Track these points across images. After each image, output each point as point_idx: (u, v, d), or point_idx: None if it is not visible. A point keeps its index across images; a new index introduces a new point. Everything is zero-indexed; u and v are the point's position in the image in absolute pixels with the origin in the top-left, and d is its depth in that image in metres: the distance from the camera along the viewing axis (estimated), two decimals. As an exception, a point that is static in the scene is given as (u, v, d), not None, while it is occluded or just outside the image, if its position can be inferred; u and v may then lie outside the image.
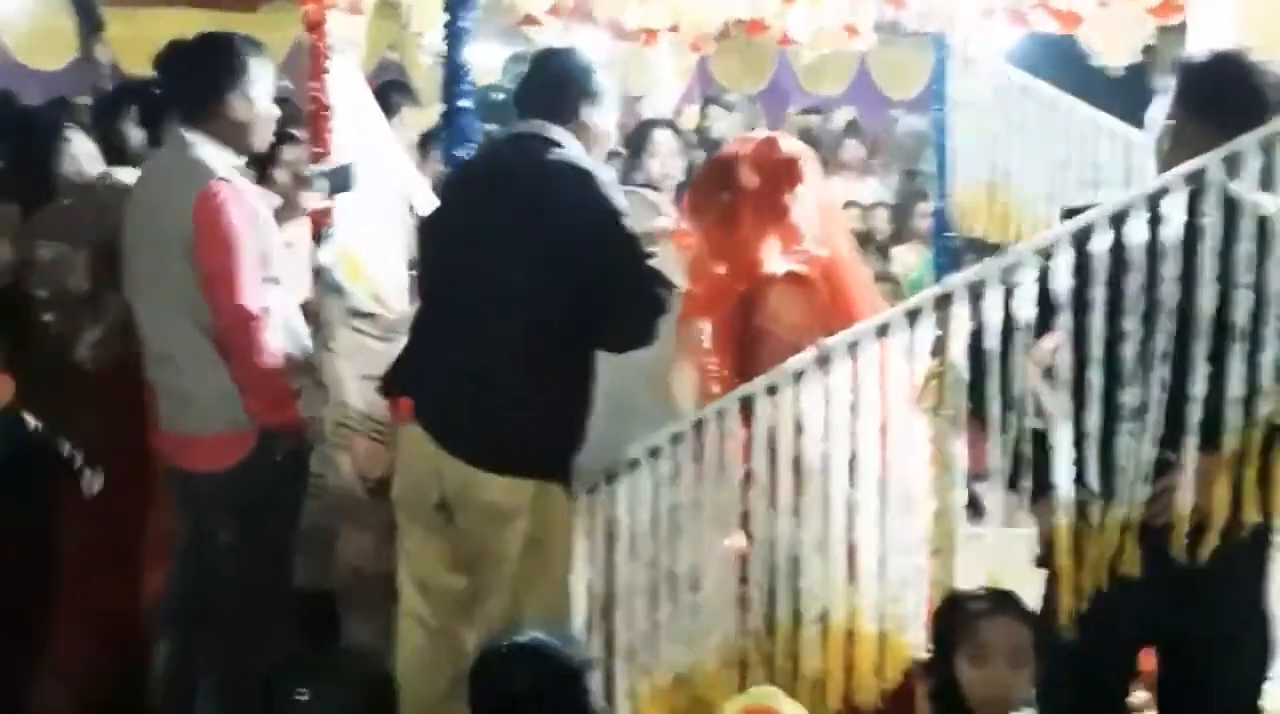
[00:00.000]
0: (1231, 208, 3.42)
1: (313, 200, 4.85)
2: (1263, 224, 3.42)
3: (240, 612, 4.19)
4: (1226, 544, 3.43)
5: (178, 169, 4.24)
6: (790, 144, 4.41)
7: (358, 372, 4.56)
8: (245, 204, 4.20)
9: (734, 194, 4.21)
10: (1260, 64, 3.66)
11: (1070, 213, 3.67)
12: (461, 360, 4.02)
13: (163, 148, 4.53)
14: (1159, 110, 3.70)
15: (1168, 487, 3.45)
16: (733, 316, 4.17)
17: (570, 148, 4.12)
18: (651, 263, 4.10)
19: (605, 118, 4.21)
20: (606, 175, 4.15)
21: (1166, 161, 3.60)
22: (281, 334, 4.22)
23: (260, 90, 4.31)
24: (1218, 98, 3.59)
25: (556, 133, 4.12)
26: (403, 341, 4.32)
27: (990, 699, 3.23)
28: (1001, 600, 3.35)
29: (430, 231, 4.30)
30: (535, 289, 3.97)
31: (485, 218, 4.06)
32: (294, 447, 4.26)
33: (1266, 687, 3.62)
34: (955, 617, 3.33)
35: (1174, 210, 3.43)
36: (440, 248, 4.18)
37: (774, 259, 4.13)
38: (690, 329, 4.27)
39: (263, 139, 4.40)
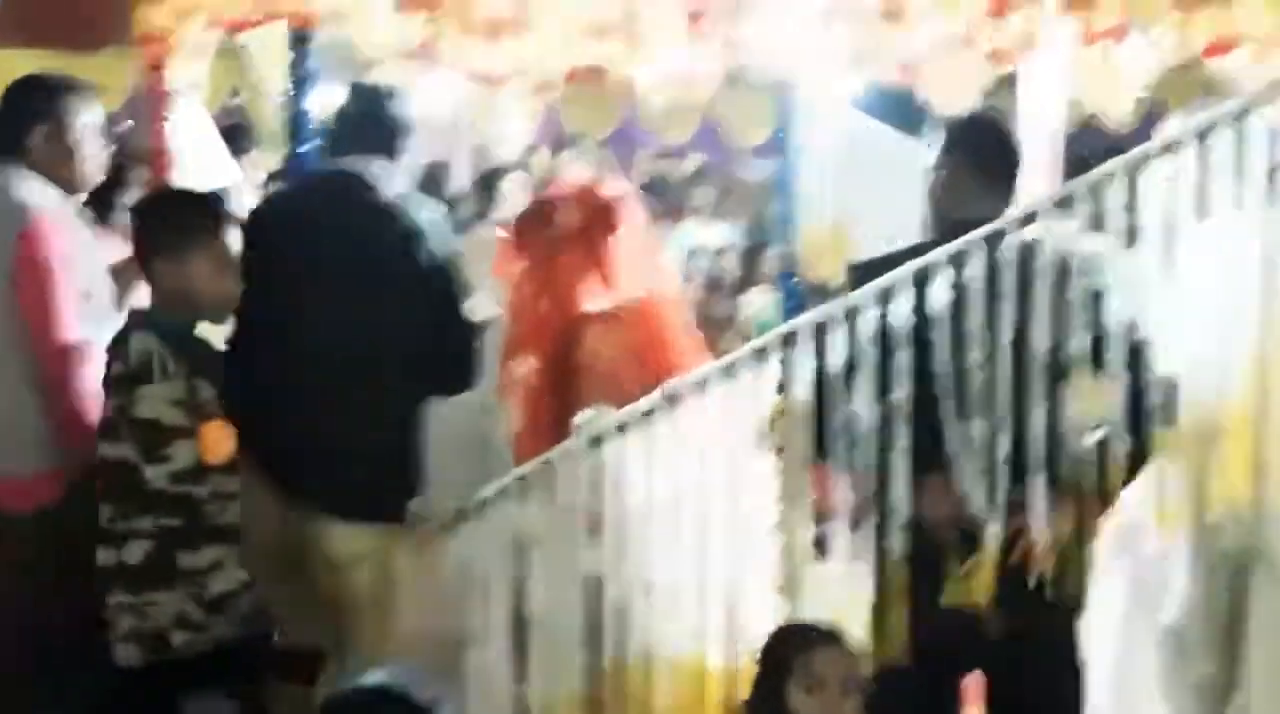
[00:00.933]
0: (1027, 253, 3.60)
1: None
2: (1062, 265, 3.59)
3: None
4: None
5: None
6: (612, 186, 4.54)
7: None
8: (66, 237, 4.20)
9: (556, 233, 4.31)
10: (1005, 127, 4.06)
11: (855, 268, 3.89)
12: (292, 406, 4.02)
13: None
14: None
15: (1019, 525, 3.58)
16: (554, 353, 4.23)
17: (390, 186, 4.14)
18: (468, 306, 4.14)
19: (412, 151, 4.26)
20: (427, 213, 4.17)
21: (941, 206, 3.84)
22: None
23: (80, 127, 4.31)
24: (980, 152, 3.89)
25: (376, 170, 4.13)
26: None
27: None
28: (831, 632, 3.46)
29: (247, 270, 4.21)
30: (356, 333, 3.99)
31: (308, 260, 4.07)
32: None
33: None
34: (788, 647, 3.41)
35: (1010, 254, 3.57)
36: (259, 288, 4.12)
37: (591, 298, 4.21)
38: (512, 367, 4.33)
39: (87, 176, 4.39)
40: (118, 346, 3.93)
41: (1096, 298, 3.58)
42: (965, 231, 3.65)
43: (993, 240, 3.60)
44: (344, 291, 4.00)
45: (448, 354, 4.07)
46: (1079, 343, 3.55)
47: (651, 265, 4.42)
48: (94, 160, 4.37)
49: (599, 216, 4.35)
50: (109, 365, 3.94)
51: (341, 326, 3.99)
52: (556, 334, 4.25)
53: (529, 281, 4.36)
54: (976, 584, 3.58)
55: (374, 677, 3.22)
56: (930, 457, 3.60)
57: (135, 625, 3.88)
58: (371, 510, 4.02)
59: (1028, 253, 3.59)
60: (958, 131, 4.05)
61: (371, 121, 4.18)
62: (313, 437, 4.00)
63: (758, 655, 3.50)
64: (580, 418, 4.08)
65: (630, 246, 4.34)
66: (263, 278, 4.09)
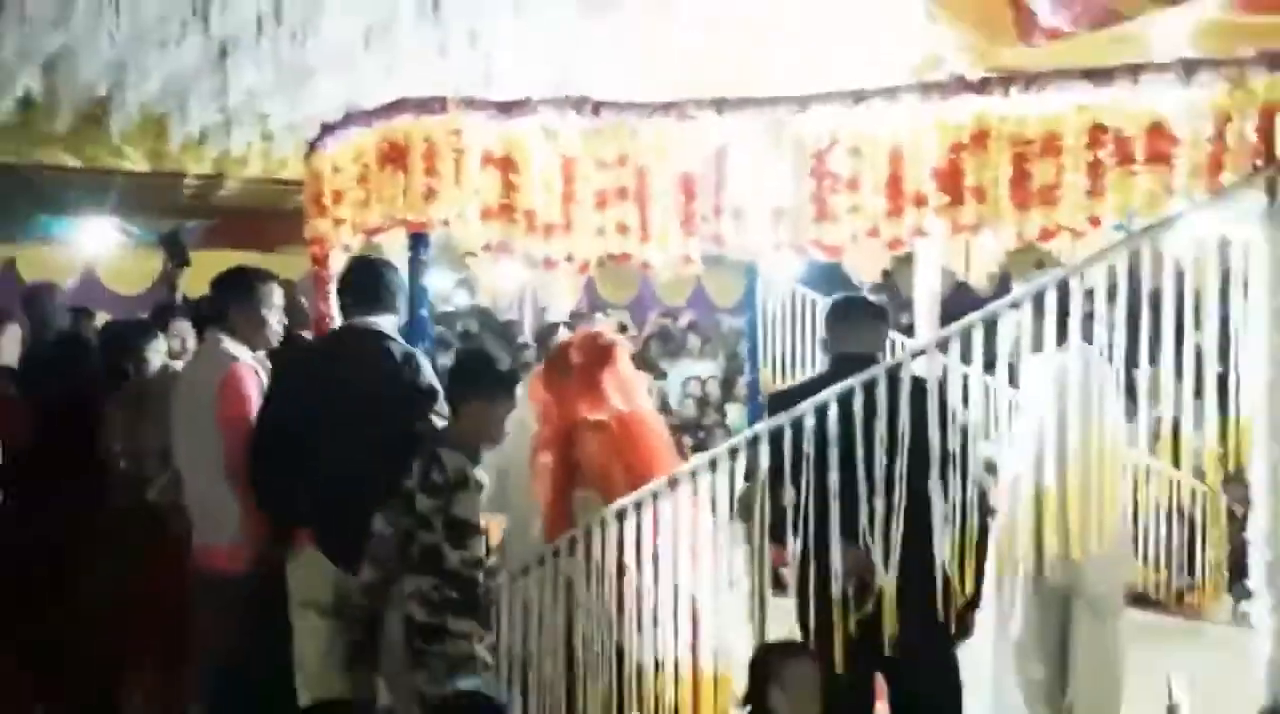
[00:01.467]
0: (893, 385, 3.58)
1: None
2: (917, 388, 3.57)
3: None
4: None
5: (210, 357, 4.28)
6: (608, 335, 4.60)
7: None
8: (253, 379, 4.22)
9: (568, 367, 4.36)
10: (874, 302, 4.15)
11: (774, 396, 3.96)
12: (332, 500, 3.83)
13: (203, 344, 4.52)
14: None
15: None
16: (563, 450, 4.24)
17: (392, 332, 4.08)
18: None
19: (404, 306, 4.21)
20: (418, 353, 4.09)
21: (831, 351, 3.93)
22: None
23: (266, 306, 4.33)
24: (851, 319, 4.00)
25: (382, 322, 4.07)
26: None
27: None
28: (801, 647, 3.40)
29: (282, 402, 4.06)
30: (368, 444, 3.81)
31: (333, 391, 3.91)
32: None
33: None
34: (769, 661, 3.35)
35: (857, 401, 3.60)
36: (291, 414, 3.96)
37: (585, 410, 4.24)
38: (540, 459, 4.33)
39: (270, 340, 4.39)
40: (428, 459, 3.65)
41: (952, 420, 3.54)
42: (851, 362, 3.72)
43: (891, 371, 3.57)
44: (364, 412, 3.86)
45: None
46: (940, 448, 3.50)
47: (634, 391, 4.43)
48: (274, 329, 4.40)
49: (596, 356, 4.38)
50: (418, 470, 3.65)
51: (360, 441, 3.82)
52: (564, 436, 4.25)
53: (550, 401, 4.37)
54: (881, 615, 3.49)
55: (468, 682, 3.15)
56: (851, 528, 3.55)
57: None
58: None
59: (917, 385, 3.55)
60: (834, 309, 4.13)
61: (373, 286, 4.11)
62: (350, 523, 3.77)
63: (748, 664, 3.42)
64: (576, 499, 4.09)
65: (619, 377, 4.36)
66: (302, 408, 3.96)
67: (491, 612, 3.82)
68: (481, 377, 3.79)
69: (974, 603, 3.68)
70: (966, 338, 3.56)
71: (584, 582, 3.91)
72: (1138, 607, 4.37)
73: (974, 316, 3.59)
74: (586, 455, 4.12)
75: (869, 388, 3.58)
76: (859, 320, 4.00)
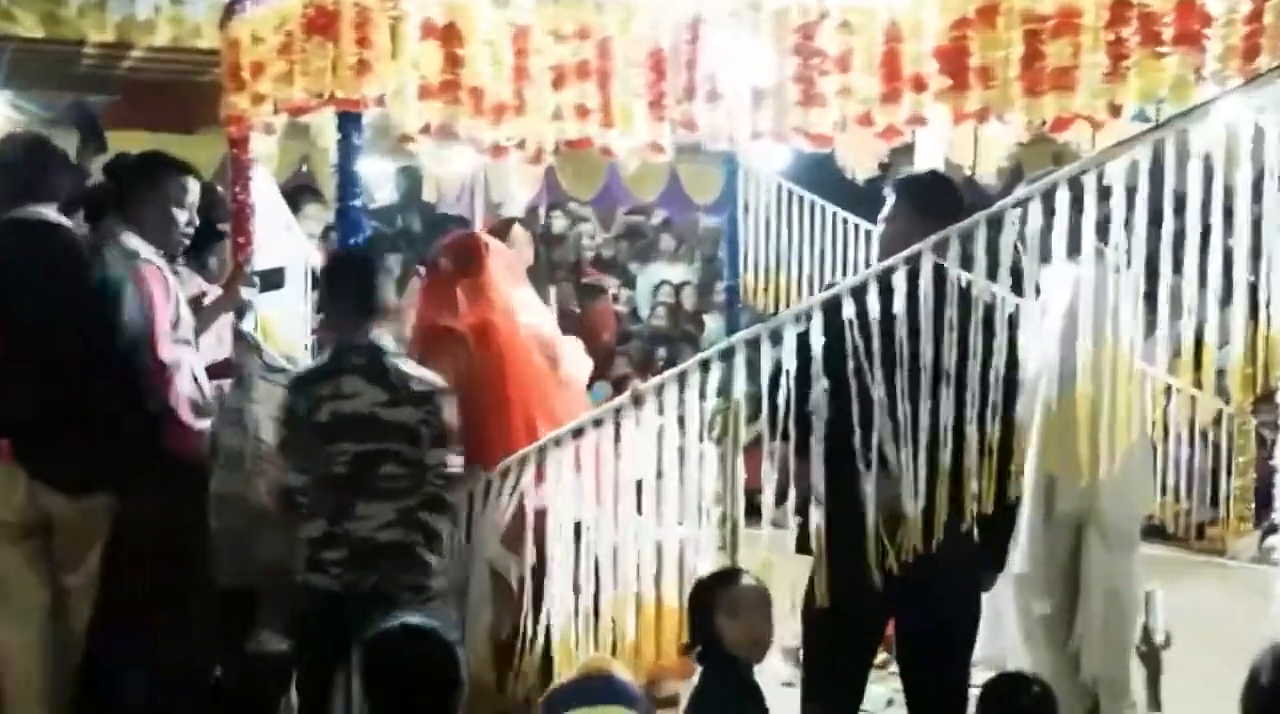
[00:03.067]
0: (943, 282, 3.54)
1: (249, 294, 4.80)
2: (965, 294, 3.55)
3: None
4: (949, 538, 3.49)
5: (110, 254, 4.22)
6: (481, 237, 4.65)
7: (270, 413, 4.51)
8: (162, 282, 4.21)
9: (437, 273, 4.45)
10: (952, 176, 3.83)
11: (827, 287, 3.80)
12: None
13: (103, 237, 4.48)
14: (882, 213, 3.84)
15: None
16: (423, 356, 4.27)
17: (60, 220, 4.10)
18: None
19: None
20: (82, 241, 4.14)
21: (892, 251, 3.71)
22: (189, 383, 4.19)
23: (180, 204, 4.34)
24: (934, 202, 3.73)
25: (45, 211, 4.08)
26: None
27: (748, 641, 3.31)
28: (737, 571, 3.48)
29: None
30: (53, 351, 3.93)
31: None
32: (194, 469, 4.21)
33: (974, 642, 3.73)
34: (713, 587, 3.41)
35: (899, 283, 3.54)
36: None
37: (439, 317, 4.33)
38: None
39: (178, 241, 4.39)
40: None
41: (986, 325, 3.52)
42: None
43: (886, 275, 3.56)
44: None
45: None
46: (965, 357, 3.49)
47: (511, 299, 4.48)
48: (183, 232, 4.39)
49: (462, 259, 4.45)
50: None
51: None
52: (416, 348, 4.32)
53: (421, 304, 4.49)
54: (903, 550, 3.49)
55: (413, 617, 3.17)
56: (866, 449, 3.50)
57: None
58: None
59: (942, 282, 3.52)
60: (914, 187, 3.82)
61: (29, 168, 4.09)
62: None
63: (689, 599, 3.48)
64: None
65: (489, 283, 4.43)
66: None
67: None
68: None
69: (1003, 532, 3.68)
70: (968, 240, 3.55)
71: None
72: (1154, 540, 4.43)
73: (978, 216, 3.57)
74: (433, 363, 4.14)
75: (884, 280, 3.50)
76: (942, 214, 3.66)
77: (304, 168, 10.07)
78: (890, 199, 3.82)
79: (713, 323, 9.78)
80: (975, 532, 3.49)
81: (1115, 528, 4.18)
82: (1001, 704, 3.14)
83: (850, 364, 3.50)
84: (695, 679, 3.35)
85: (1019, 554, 4.14)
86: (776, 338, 3.66)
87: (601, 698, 2.94)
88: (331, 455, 3.88)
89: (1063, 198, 3.51)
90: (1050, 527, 4.18)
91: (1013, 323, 3.58)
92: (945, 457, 3.46)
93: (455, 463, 3.92)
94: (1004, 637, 4.36)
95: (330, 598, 3.83)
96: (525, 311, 4.59)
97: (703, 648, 3.36)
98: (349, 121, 4.40)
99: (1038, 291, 3.73)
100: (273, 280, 4.87)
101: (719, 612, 3.33)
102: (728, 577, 3.44)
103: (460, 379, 4.19)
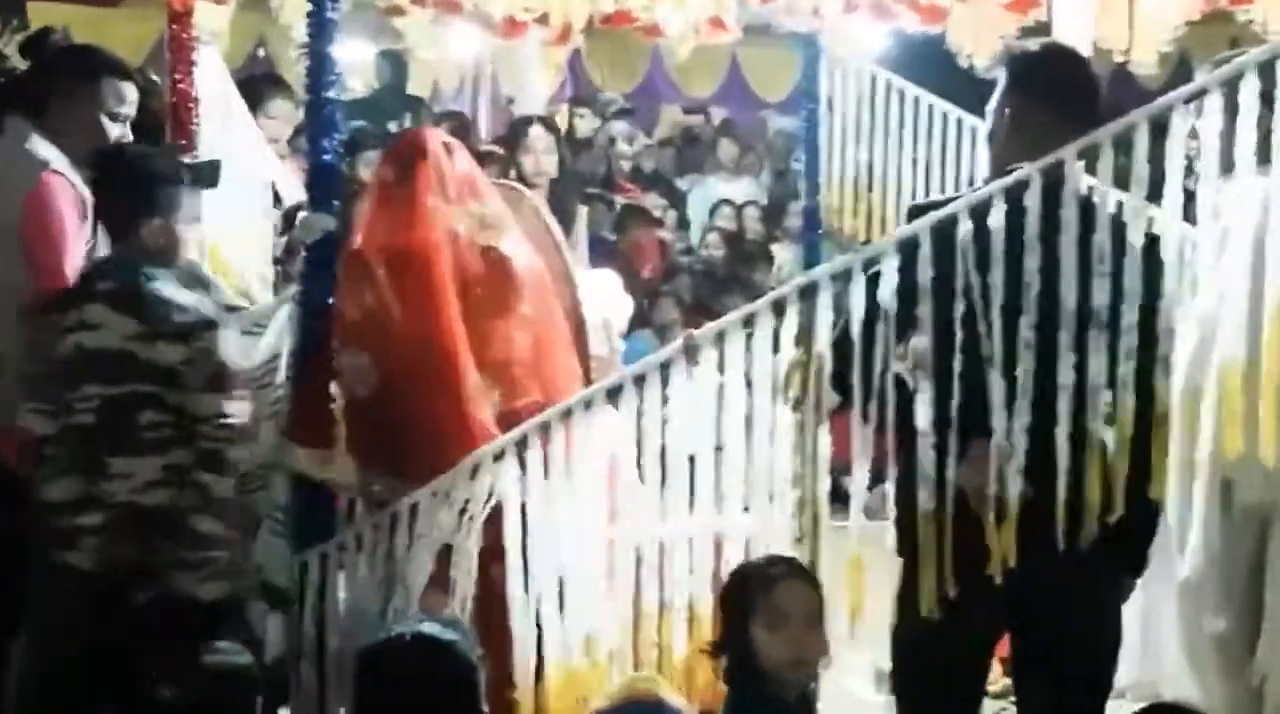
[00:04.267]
0: (1087, 203, 3.49)
1: None
2: (1116, 219, 3.50)
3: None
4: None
5: (12, 159, 4.30)
6: (426, 136, 4.60)
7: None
8: (73, 196, 4.27)
9: (374, 182, 4.49)
10: (1083, 55, 3.76)
11: (916, 210, 3.73)
12: None
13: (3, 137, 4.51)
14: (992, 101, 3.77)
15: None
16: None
17: None
18: None
19: None
20: None
21: (1005, 150, 3.65)
22: None
23: (110, 109, 4.42)
24: (1053, 85, 3.66)
25: None
26: (267, 335, 4.32)
27: (790, 660, 3.33)
28: (792, 566, 3.49)
29: None
30: None
31: None
32: None
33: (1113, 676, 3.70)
34: (749, 586, 3.42)
35: (1032, 202, 3.49)
36: None
37: (359, 239, 4.33)
38: None
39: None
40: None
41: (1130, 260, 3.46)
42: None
43: (1015, 190, 3.50)
44: None
45: None
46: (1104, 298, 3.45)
47: (448, 220, 4.41)
48: (107, 139, 4.43)
49: (400, 165, 4.43)
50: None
51: None
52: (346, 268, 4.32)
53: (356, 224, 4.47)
54: (1009, 550, 3.48)
55: (428, 625, 3.20)
56: (976, 420, 3.48)
57: None
58: None
59: (1087, 204, 3.47)
60: (1024, 65, 3.74)
61: None
62: None
63: (720, 597, 3.51)
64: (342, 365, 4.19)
65: (425, 197, 4.38)
66: None
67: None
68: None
69: (1146, 528, 3.65)
70: (1125, 147, 3.48)
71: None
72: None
73: (1136, 115, 3.50)
74: (341, 303, 4.20)
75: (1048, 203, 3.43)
76: (1070, 100, 3.62)
77: (262, 51, 10.09)
78: (1001, 82, 3.76)
79: (785, 254, 9.74)
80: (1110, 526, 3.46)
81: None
82: None
83: (960, 306, 3.46)
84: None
85: (1188, 556, 4.11)
86: (871, 273, 3.62)
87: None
88: (75, 400, 3.96)
89: (1250, 91, 3.44)
90: (1229, 522, 4.14)
91: (1154, 259, 3.51)
92: (1099, 429, 3.43)
93: (239, 411, 4.01)
94: (1160, 659, 4.34)
95: (83, 579, 3.92)
96: (494, 233, 4.54)
97: (733, 661, 3.38)
98: (322, -9, 4.37)
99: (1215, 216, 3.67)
100: (204, 176, 4.85)
101: (755, 618, 3.34)
102: (770, 571, 3.45)
103: (376, 326, 4.20)
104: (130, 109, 4.51)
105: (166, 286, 4.03)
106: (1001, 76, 3.77)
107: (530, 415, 4.13)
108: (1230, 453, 3.56)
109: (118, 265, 4.06)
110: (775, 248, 10.07)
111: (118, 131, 4.45)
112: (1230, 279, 3.87)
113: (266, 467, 4.32)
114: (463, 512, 4.01)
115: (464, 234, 4.42)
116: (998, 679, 4.41)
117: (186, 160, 4.84)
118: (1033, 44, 3.89)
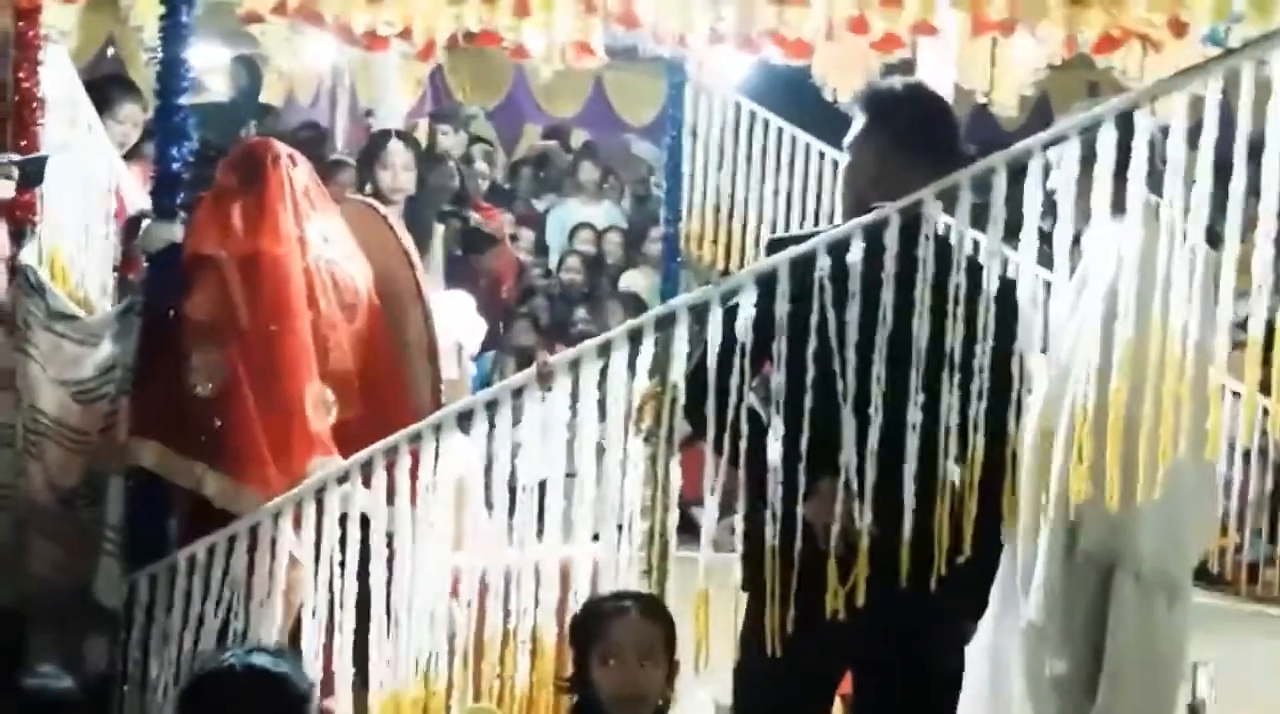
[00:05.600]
0: (944, 243, 3.55)
1: (4, 190, 4.73)
2: (973, 260, 3.56)
3: None
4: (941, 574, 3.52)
5: None
6: (271, 145, 4.61)
7: (54, 376, 4.45)
8: None
9: (216, 188, 4.48)
10: (943, 97, 3.84)
11: (776, 244, 3.78)
12: None
13: None
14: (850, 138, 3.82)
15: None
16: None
17: None
18: None
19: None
20: None
21: (864, 188, 3.70)
22: None
23: None
24: (914, 125, 3.71)
25: None
26: (104, 346, 4.28)
27: (622, 696, 3.35)
28: (632, 600, 3.51)
29: None
30: None
31: None
32: None
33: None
34: (589, 621, 3.46)
35: (890, 241, 3.54)
36: None
37: (205, 244, 4.34)
38: None
39: None
40: None
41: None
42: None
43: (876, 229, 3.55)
44: None
45: None
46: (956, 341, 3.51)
47: (289, 227, 4.45)
48: None
49: (244, 171, 4.45)
50: None
51: None
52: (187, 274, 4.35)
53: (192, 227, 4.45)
54: (856, 587, 3.52)
55: (257, 656, 3.16)
56: (827, 456, 3.53)
57: None
58: None
59: (943, 244, 3.54)
60: (887, 104, 3.77)
61: None
62: None
63: (569, 631, 3.54)
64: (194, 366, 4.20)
65: (272, 203, 4.41)
66: None
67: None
68: None
69: (989, 569, 3.73)
70: (983, 188, 3.55)
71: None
72: (1196, 584, 4.47)
73: (995, 158, 3.58)
74: (189, 305, 4.23)
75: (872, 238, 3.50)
76: (929, 141, 3.67)
77: (110, 51, 9.93)
78: (859, 119, 3.79)
79: (642, 280, 9.77)
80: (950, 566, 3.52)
81: (1156, 571, 4.21)
82: None
83: (812, 343, 3.51)
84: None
85: (1032, 597, 4.17)
86: (729, 305, 3.65)
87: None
88: None
89: (1108, 139, 3.52)
90: (1073, 566, 4.21)
91: (1009, 302, 3.58)
92: (947, 467, 3.49)
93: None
94: (1000, 703, 4.40)
95: None
96: (332, 247, 4.55)
97: (577, 699, 3.42)
98: (177, -5, 4.32)
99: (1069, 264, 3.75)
100: (31, 172, 4.77)
101: (593, 652, 3.38)
102: (605, 608, 3.48)
103: (224, 329, 4.23)
104: None
105: None
106: (859, 114, 3.80)
107: (362, 430, 4.15)
108: (1077, 497, 3.64)
109: None
110: (634, 273, 10.11)
111: None
112: (1085, 324, 3.95)
113: (95, 480, 4.28)
114: (313, 531, 4.00)
115: (309, 245, 4.43)
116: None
117: (13, 156, 4.77)
118: (896, 83, 3.94)
